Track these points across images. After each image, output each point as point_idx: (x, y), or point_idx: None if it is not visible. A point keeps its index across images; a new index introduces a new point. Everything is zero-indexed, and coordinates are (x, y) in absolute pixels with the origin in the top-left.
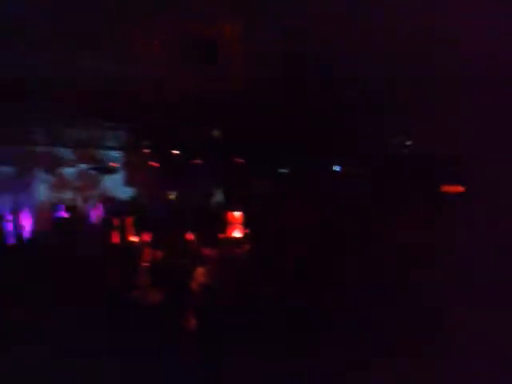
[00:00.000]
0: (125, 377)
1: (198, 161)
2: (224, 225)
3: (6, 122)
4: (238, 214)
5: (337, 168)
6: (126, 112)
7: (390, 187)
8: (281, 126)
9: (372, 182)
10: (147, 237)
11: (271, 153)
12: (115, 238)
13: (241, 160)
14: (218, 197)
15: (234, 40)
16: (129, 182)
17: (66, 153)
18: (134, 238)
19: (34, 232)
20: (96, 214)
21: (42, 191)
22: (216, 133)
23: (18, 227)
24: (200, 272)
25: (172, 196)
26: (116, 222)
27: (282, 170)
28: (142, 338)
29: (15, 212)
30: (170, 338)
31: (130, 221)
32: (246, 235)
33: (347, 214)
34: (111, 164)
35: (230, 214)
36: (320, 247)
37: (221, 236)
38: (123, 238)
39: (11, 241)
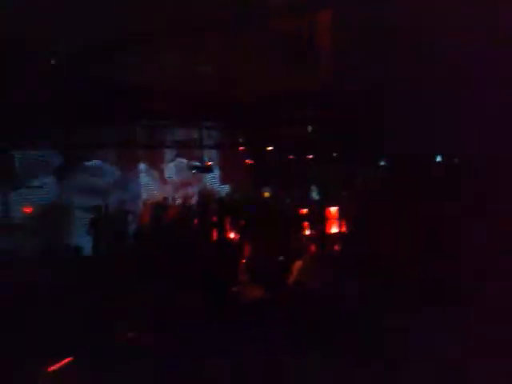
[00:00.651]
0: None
1: (294, 157)
2: (322, 221)
3: (112, 123)
4: (334, 209)
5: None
6: (221, 111)
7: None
8: (375, 118)
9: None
10: (245, 234)
11: (365, 146)
12: (214, 235)
13: (336, 155)
14: (315, 193)
15: (327, 37)
16: (225, 180)
17: (166, 152)
18: (232, 235)
19: (138, 229)
20: (196, 210)
21: (146, 189)
22: (311, 128)
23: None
24: (298, 268)
25: (267, 193)
26: (215, 219)
27: (381, 163)
28: (247, 334)
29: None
30: (276, 334)
31: (228, 218)
32: (343, 231)
33: (453, 209)
34: (208, 162)
35: (327, 209)
36: (423, 242)
37: (318, 232)
38: (222, 234)
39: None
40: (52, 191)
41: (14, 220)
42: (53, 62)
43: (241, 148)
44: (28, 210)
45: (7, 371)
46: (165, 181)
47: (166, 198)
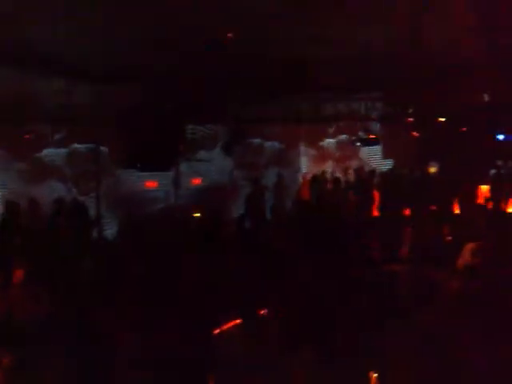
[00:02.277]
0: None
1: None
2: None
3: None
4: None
5: None
6: (386, 82)
7: None
8: None
9: None
10: (406, 211)
11: None
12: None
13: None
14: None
15: None
16: (388, 154)
17: (326, 126)
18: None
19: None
20: (356, 186)
21: (305, 164)
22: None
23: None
24: (469, 249)
25: (433, 168)
26: (376, 195)
27: None
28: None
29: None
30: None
31: (389, 194)
32: None
33: None
34: (372, 135)
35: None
36: None
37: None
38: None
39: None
40: (218, 165)
41: None
42: (230, 35)
43: (408, 120)
44: (196, 181)
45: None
46: (325, 156)
47: (324, 173)
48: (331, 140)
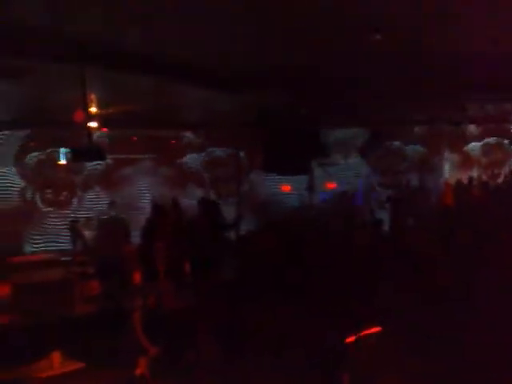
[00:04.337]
0: None
1: None
2: None
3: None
4: None
5: None
6: None
7: None
8: None
9: None
10: None
11: None
12: None
13: None
14: None
15: None
16: None
17: (472, 128)
18: None
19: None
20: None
21: (448, 169)
22: None
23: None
24: None
25: None
26: None
27: None
28: None
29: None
30: None
31: None
32: None
33: None
34: None
35: None
36: None
37: None
38: None
39: None
40: (356, 169)
41: None
42: (377, 37)
43: None
44: (331, 186)
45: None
46: (470, 161)
47: (471, 179)
48: (477, 143)
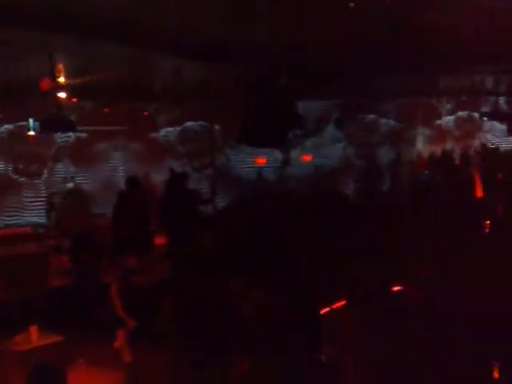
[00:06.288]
0: None
1: None
2: None
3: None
4: None
5: None
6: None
7: None
8: None
9: None
10: None
11: None
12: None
13: None
14: None
15: None
16: None
17: (444, 102)
18: None
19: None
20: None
21: (420, 143)
22: None
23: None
24: None
25: None
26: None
27: None
28: None
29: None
30: None
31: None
32: None
33: None
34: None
35: None
36: None
37: None
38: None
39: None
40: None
41: None
42: (351, 5)
43: None
44: (307, 158)
45: None
46: (442, 134)
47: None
48: (450, 117)
